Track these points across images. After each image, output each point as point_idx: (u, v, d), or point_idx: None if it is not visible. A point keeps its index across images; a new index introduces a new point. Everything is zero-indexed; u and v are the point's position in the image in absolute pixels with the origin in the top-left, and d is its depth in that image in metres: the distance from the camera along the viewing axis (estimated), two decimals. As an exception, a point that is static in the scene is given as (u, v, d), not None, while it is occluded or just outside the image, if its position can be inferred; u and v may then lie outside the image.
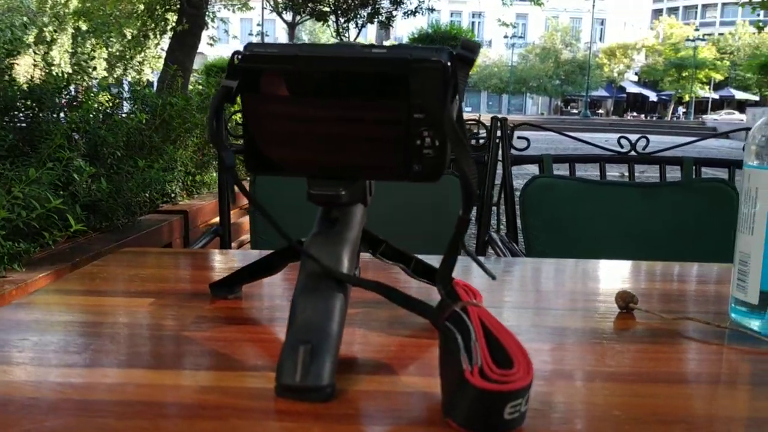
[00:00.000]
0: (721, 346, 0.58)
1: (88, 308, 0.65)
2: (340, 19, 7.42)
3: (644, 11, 61.75)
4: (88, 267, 0.81)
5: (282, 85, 0.49)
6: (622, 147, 1.90)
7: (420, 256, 0.65)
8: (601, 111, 52.94)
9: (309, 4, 7.27)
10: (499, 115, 1.82)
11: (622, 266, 1.00)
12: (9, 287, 1.17)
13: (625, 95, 53.83)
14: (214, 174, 2.65)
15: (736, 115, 43.28)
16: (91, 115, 1.61)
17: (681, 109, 53.02)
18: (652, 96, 55.86)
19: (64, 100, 1.90)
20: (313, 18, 7.92)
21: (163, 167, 1.77)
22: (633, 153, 1.88)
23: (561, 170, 1.87)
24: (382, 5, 7.60)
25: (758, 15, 15.85)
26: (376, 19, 7.57)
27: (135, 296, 0.69)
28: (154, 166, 1.74)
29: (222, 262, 0.90)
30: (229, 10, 19.17)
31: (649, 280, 0.87)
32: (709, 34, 56.97)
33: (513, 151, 1.90)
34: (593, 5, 33.14)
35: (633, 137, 1.92)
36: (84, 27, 23.40)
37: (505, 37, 33.21)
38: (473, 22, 52.50)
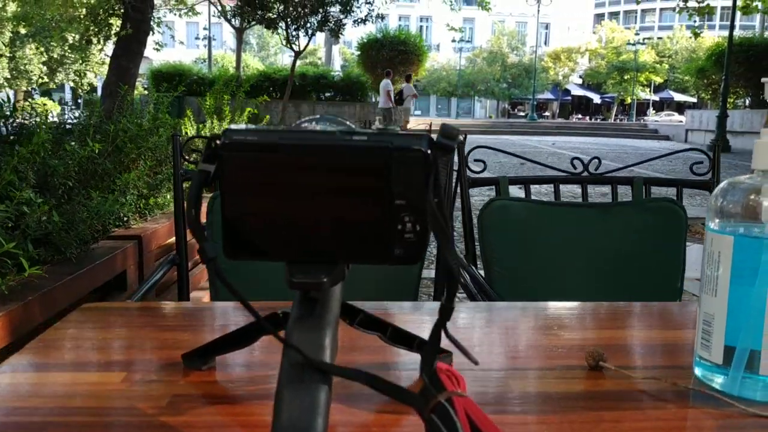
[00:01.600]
0: (686, 409, 0.61)
1: (51, 390, 0.62)
2: (290, 27, 7.39)
3: (587, 16, 63.36)
4: (50, 332, 0.78)
5: (261, 171, 0.48)
6: (575, 168, 1.95)
7: (395, 321, 0.66)
8: (547, 113, 54.03)
9: (258, 12, 7.22)
10: (449, 122, 1.84)
11: (587, 310, 1.02)
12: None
13: (570, 98, 55.11)
14: (168, 195, 2.60)
15: (676, 117, 44.76)
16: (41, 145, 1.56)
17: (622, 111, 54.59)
18: (596, 98, 57.35)
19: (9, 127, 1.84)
20: (262, 25, 7.86)
21: (116, 196, 1.73)
22: (586, 173, 1.93)
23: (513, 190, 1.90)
24: (331, 13, 7.60)
25: (694, 21, 16.44)
26: (325, 27, 7.57)
27: (103, 370, 0.67)
28: (108, 197, 1.69)
29: (190, 319, 0.89)
30: (175, 14, 18.84)
31: (614, 327, 0.89)
32: (649, 38, 58.83)
33: (469, 173, 1.93)
34: (538, 10, 33.84)
35: (585, 158, 1.98)
36: (23, 31, 22.58)
37: (453, 41, 33.56)
38: (421, 26, 52.93)
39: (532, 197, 1.93)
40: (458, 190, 1.91)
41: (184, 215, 1.74)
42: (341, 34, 7.75)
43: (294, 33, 7.57)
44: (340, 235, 0.50)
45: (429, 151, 0.48)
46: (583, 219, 1.82)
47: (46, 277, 1.49)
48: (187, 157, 1.81)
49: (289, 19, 7.26)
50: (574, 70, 51.29)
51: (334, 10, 7.54)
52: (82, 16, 14.18)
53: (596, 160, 1.96)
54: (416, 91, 19.75)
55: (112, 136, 1.83)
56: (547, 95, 52.63)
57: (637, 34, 49.14)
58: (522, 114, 50.89)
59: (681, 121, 27.79)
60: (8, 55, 36.30)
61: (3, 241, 1.09)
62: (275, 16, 7.31)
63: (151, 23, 13.87)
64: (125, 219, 2.17)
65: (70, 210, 1.58)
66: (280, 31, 7.39)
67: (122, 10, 13.34)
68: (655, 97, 56.98)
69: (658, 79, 51.97)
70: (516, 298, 1.73)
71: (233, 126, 0.50)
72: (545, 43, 53.78)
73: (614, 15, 65.04)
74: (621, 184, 1.95)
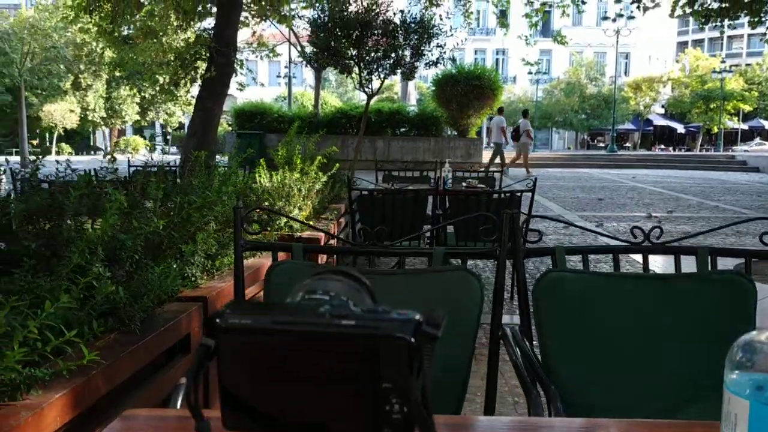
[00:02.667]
0: None
1: None
2: (363, 71, 7.57)
3: (669, 44, 61.65)
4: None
5: (254, 351, 0.51)
6: (635, 237, 1.90)
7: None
8: (628, 144, 52.61)
9: (333, 58, 7.44)
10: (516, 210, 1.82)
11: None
12: (25, 414, 1.19)
13: (652, 128, 53.50)
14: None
15: (767, 146, 42.59)
16: (112, 222, 1.66)
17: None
18: (680, 128, 55.38)
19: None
20: (336, 69, 8.09)
21: (181, 267, 1.81)
22: (647, 243, 1.87)
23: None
24: (404, 57, 7.74)
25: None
26: (398, 71, 7.71)
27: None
28: (173, 267, 1.78)
29: None
30: (257, 57, 19.63)
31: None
32: (736, 65, 56.53)
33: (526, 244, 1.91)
34: (617, 41, 33.22)
35: (647, 226, 1.92)
36: (118, 74, 24.02)
37: (530, 73, 33.30)
38: (497, 59, 52.93)
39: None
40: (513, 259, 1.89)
41: (243, 287, 1.80)
42: (413, 77, 7.88)
43: (367, 77, 7.73)
44: (329, 413, 0.52)
45: (413, 340, 0.49)
46: (642, 291, 1.76)
47: (107, 347, 1.58)
48: (247, 228, 1.88)
49: (362, 63, 7.43)
50: (656, 100, 49.80)
51: (406, 53, 7.68)
52: (171, 60, 14.99)
53: (658, 229, 1.90)
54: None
55: (178, 207, 1.93)
56: (628, 126, 51.30)
57: (723, 61, 47.33)
58: (602, 145, 49.76)
59: (773, 152, 26.41)
60: (105, 96, 38.88)
61: (65, 330, 1.17)
62: (349, 60, 7.50)
63: (234, 66, 14.56)
64: (193, 279, 2.26)
65: (136, 283, 1.66)
66: (353, 75, 7.57)
67: (207, 54, 14.07)
68: (744, 126, 54.46)
69: (747, 108, 49.68)
70: (571, 376, 1.68)
71: (230, 309, 0.53)
72: (625, 73, 52.60)
73: (698, 42, 63.04)
74: (684, 254, 1.88)
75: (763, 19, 14.28)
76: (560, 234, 8.30)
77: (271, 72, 38.45)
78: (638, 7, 12.52)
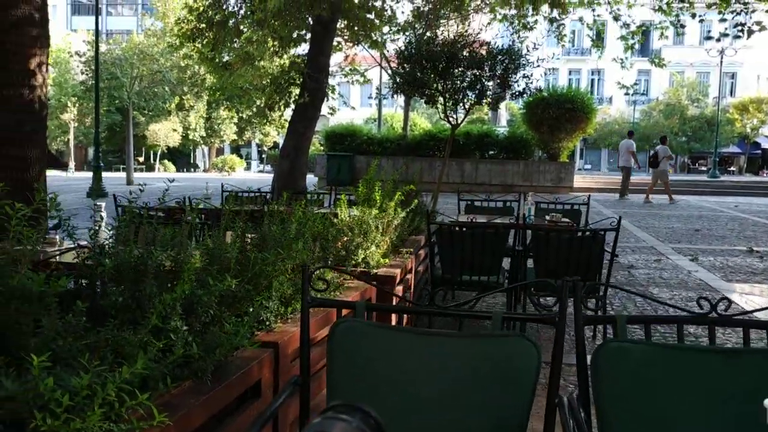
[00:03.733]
0: None
1: None
2: (448, 101, 7.64)
3: (781, 62, 58.09)
4: None
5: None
6: (701, 308, 1.85)
7: None
8: (732, 168, 49.86)
9: (418, 89, 7.56)
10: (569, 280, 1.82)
11: None
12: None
13: (760, 152, 50.44)
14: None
15: None
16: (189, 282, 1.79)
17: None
18: (792, 152, 52.02)
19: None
20: (422, 99, 8.20)
21: (251, 321, 1.93)
22: (713, 314, 1.82)
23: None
24: (489, 87, 7.76)
25: None
26: (483, 101, 7.72)
27: None
28: (246, 320, 1.89)
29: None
30: (349, 83, 20.15)
31: None
32: None
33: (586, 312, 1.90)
34: (721, 61, 31.70)
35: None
36: (218, 97, 25.19)
37: (626, 94, 32.32)
38: (592, 80, 51.64)
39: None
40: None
41: (308, 346, 1.90)
42: (498, 107, 7.87)
43: (451, 107, 7.79)
44: None
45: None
46: (707, 366, 1.71)
47: (178, 396, 1.70)
48: (314, 285, 1.98)
49: (447, 94, 7.51)
50: (765, 122, 46.98)
51: (492, 84, 7.69)
52: (266, 86, 15.63)
53: (725, 300, 1.85)
54: (585, 144, 19.45)
55: (252, 263, 2.06)
56: (733, 149, 48.65)
57: (842, 81, 44.14)
58: (703, 169, 47.42)
59: None
60: (205, 116, 40.92)
61: (138, 393, 1.29)
62: (434, 91, 7.60)
63: (326, 91, 15.02)
64: (267, 323, 2.38)
65: (210, 337, 1.79)
66: (438, 105, 7.66)
67: (300, 80, 14.59)
68: None
69: None
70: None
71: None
72: (731, 94, 50.00)
73: (815, 60, 58.98)
74: (753, 327, 1.81)
75: None
76: (650, 268, 7.99)
77: (363, 93, 39.21)
78: (741, 31, 11.95)
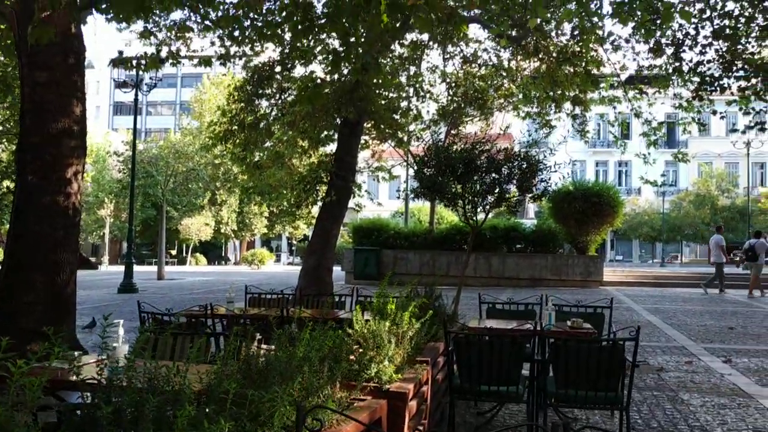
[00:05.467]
0: None
1: None
2: (468, 205, 7.76)
3: (811, 152, 57.86)
4: None
5: None
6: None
7: None
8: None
9: (438, 194, 7.72)
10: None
11: None
12: None
13: (795, 241, 49.43)
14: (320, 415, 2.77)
15: None
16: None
17: None
18: (830, 241, 50.79)
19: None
20: (442, 203, 8.35)
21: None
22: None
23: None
24: (508, 190, 7.89)
25: None
26: (503, 205, 7.84)
27: None
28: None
29: None
30: (375, 181, 20.59)
31: None
32: None
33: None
34: (747, 153, 31.76)
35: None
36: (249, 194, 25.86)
37: (657, 185, 32.36)
38: (619, 171, 51.93)
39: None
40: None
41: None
42: (518, 210, 7.98)
43: (471, 209, 7.91)
44: None
45: None
46: None
47: None
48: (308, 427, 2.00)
49: (466, 198, 7.64)
50: (798, 211, 46.33)
51: (511, 187, 7.83)
52: (295, 184, 16.04)
53: None
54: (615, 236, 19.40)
55: (249, 400, 2.09)
56: None
57: None
58: (738, 259, 46.48)
59: None
60: (237, 210, 41.92)
61: None
62: (453, 195, 7.75)
63: (353, 188, 15.37)
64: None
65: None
66: (459, 208, 7.79)
67: (328, 178, 14.98)
68: None
69: None
70: None
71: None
72: (761, 183, 49.67)
73: None
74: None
75: None
76: (681, 371, 7.75)
77: (390, 187, 39.85)
78: (761, 129, 12.08)
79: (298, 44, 10.95)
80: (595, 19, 10.46)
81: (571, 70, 12.73)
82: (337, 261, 26.19)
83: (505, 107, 19.69)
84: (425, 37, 15.30)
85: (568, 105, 15.42)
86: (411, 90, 16.50)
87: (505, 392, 4.86)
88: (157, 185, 28.05)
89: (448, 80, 17.89)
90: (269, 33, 7.15)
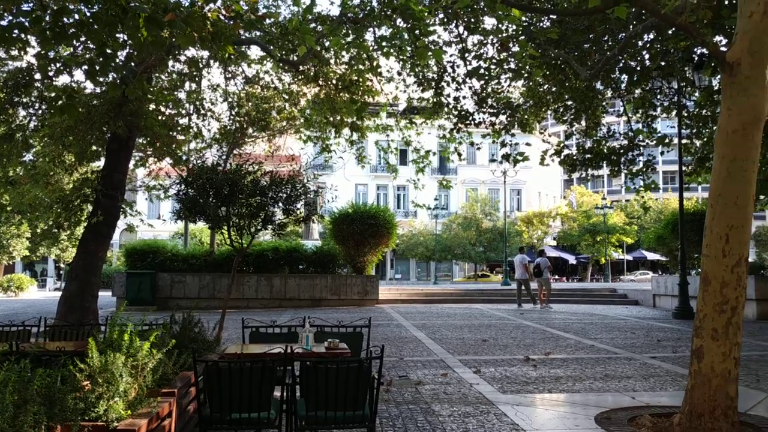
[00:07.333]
0: None
1: None
2: (232, 228, 7.67)
3: (557, 181, 66.41)
4: None
5: None
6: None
7: None
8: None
9: (200, 215, 7.53)
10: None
11: None
12: None
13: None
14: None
15: (650, 275, 45.46)
16: None
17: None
18: (572, 259, 58.48)
19: None
20: (207, 225, 8.15)
21: None
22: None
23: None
24: (273, 213, 7.94)
25: (641, 196, 17.24)
26: (269, 227, 7.88)
27: None
28: None
29: None
30: (152, 201, 19.48)
31: None
32: (617, 201, 61.27)
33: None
34: (504, 181, 35.52)
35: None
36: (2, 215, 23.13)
37: (428, 209, 34.73)
38: (398, 195, 55.07)
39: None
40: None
41: None
42: (283, 232, 8.07)
43: (236, 233, 7.82)
44: None
45: None
46: None
47: None
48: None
49: (231, 221, 7.55)
50: (547, 233, 52.80)
51: (276, 210, 7.89)
52: (54, 203, 14.61)
53: None
54: (393, 256, 20.67)
55: None
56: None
57: (604, 198, 51.29)
58: (500, 277, 51.54)
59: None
60: (-11, 232, 37.07)
61: None
62: (216, 217, 7.61)
63: (122, 208, 14.36)
64: None
65: None
66: (224, 231, 7.66)
67: (94, 197, 13.84)
68: (629, 257, 58.21)
69: (630, 240, 53.43)
70: None
71: None
72: (518, 208, 55.80)
73: (583, 180, 68.20)
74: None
75: (623, 170, 15.76)
76: (437, 383, 8.18)
77: (172, 207, 38.07)
78: (509, 161, 13.57)
79: (49, 52, 10.03)
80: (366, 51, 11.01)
81: (349, 97, 13.21)
82: (107, 286, 24.27)
83: (288, 130, 19.89)
84: (206, 54, 14.94)
85: (347, 131, 15.97)
86: (191, 107, 15.97)
87: (256, 419, 4.82)
88: None
89: (230, 99, 17.62)
90: (10, 36, 6.43)
